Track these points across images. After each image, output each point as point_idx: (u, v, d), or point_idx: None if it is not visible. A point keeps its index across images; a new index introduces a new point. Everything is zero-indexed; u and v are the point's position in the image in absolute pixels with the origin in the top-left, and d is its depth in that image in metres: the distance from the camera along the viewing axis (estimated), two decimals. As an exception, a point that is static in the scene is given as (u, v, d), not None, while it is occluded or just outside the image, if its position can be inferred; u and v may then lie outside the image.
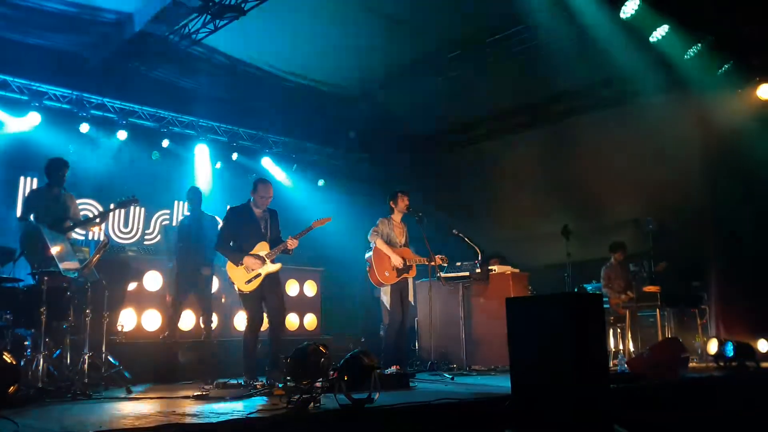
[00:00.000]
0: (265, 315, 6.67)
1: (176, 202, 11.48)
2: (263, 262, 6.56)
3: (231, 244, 6.68)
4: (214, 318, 8.33)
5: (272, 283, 6.67)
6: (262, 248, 6.64)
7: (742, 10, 8.43)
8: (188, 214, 8.75)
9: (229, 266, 6.61)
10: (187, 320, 8.97)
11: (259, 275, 6.54)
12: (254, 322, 6.62)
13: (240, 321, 9.47)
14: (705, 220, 10.26)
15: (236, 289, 6.62)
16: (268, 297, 6.63)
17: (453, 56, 10.45)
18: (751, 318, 9.47)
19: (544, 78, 10.75)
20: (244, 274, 6.52)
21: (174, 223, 11.03)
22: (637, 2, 8.24)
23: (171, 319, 8.27)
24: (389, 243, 7.88)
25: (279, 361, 6.41)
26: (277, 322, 6.67)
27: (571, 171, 11.79)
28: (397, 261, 7.76)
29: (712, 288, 10.09)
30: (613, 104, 10.93)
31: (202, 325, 8.23)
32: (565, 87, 11.21)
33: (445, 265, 8.49)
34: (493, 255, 10.42)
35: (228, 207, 7.21)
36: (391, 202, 8.12)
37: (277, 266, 6.66)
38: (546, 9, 8.86)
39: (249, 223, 6.70)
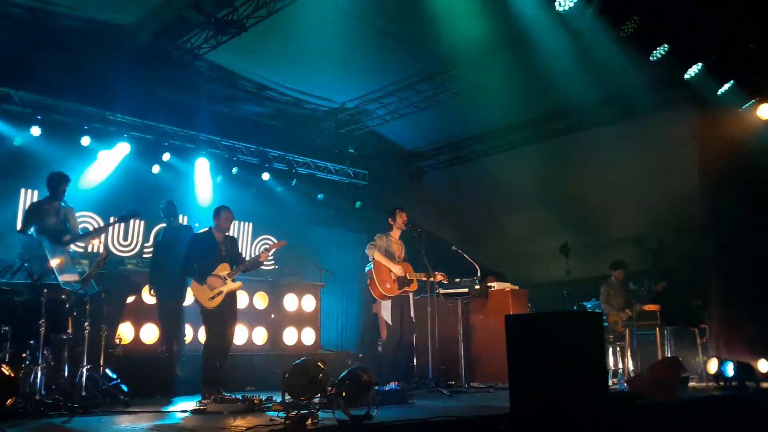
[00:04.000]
0: None
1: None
2: (225, 281, 7.05)
3: (195, 266, 7.12)
4: (187, 331, 8.76)
5: (231, 300, 7.21)
6: (223, 269, 7.13)
7: (743, 29, 8.48)
8: (164, 226, 8.93)
9: (194, 285, 7.11)
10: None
11: (221, 293, 7.03)
12: (216, 338, 7.06)
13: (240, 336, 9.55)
14: (705, 238, 10.25)
15: (200, 305, 7.08)
16: (226, 314, 7.12)
17: (452, 73, 10.50)
18: (751, 338, 9.44)
19: (544, 94, 10.80)
20: (207, 292, 7.01)
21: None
22: (638, 21, 8.28)
23: (161, 331, 8.44)
24: (388, 257, 7.86)
25: (222, 375, 6.99)
26: (229, 338, 7.21)
27: (570, 188, 11.80)
28: (398, 270, 7.75)
29: (712, 307, 10.07)
30: (613, 121, 10.96)
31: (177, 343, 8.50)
32: (565, 104, 11.25)
33: (446, 282, 8.48)
34: (489, 273, 10.41)
35: (192, 234, 7.81)
36: (389, 219, 8.12)
37: (237, 284, 7.23)
38: (546, 26, 8.93)
39: (211, 247, 7.22)
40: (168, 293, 8.41)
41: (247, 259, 7.57)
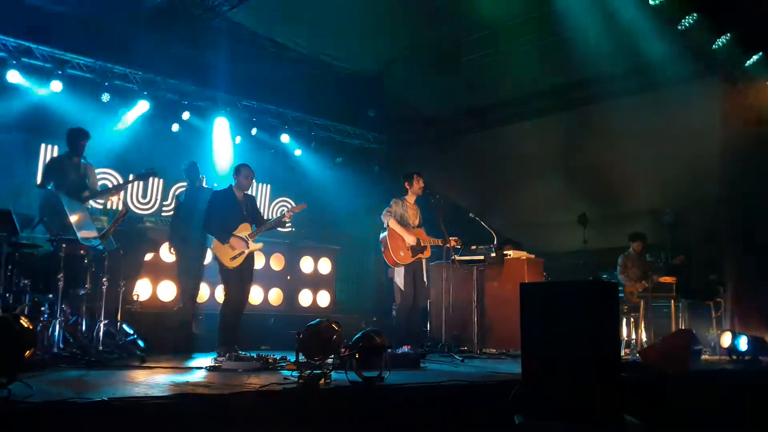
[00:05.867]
0: None
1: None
2: (246, 242, 7.07)
3: (217, 224, 7.11)
4: (203, 289, 8.95)
5: (250, 261, 7.25)
6: (244, 229, 7.15)
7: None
8: (185, 187, 9.02)
9: (216, 244, 7.08)
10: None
11: (242, 253, 7.05)
12: (235, 297, 7.10)
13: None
14: (724, 213, 10.14)
15: (220, 264, 7.06)
16: (244, 274, 7.17)
17: (474, 38, 10.36)
18: (766, 313, 9.39)
19: (565, 63, 10.63)
20: (229, 252, 7.00)
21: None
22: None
23: (180, 289, 8.56)
24: (402, 224, 7.86)
25: (236, 333, 7.08)
26: (244, 298, 7.27)
27: (590, 158, 11.67)
28: (410, 239, 7.76)
29: (728, 282, 10.01)
30: (636, 92, 10.78)
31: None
32: (587, 73, 11.06)
33: (459, 247, 8.47)
34: (506, 241, 10.38)
35: (212, 191, 7.73)
36: (405, 183, 8.09)
37: (258, 245, 7.27)
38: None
39: (232, 206, 7.21)
40: (189, 253, 8.45)
41: (266, 218, 7.54)
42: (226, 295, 7.13)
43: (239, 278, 7.09)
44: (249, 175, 7.29)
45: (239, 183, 7.25)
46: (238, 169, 7.28)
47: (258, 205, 7.89)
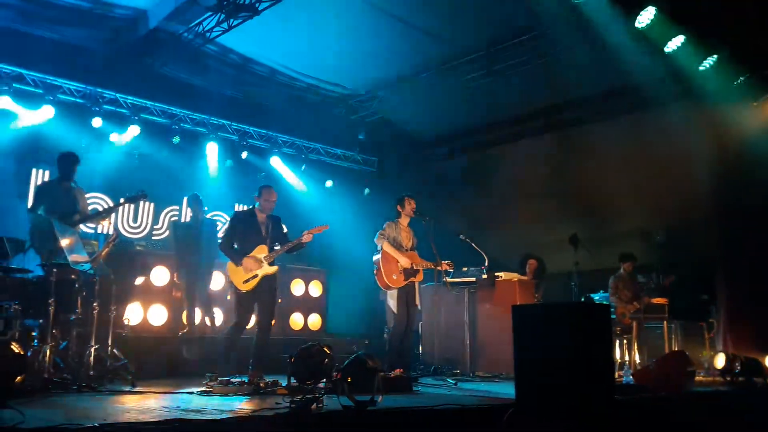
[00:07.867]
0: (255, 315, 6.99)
1: (185, 199, 11.48)
2: (260, 264, 6.82)
3: (234, 245, 6.94)
4: (216, 313, 9.28)
5: (269, 285, 6.94)
6: (260, 251, 6.89)
7: (759, 22, 8.38)
8: (190, 218, 9.49)
9: (230, 266, 6.87)
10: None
11: (256, 276, 6.79)
12: (242, 321, 6.87)
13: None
14: (714, 233, 10.19)
15: (233, 287, 6.89)
16: (262, 298, 6.88)
17: (463, 61, 10.45)
18: (759, 333, 9.39)
19: (555, 85, 10.73)
20: (242, 275, 6.77)
21: (182, 220, 11.08)
22: (653, 12, 8.20)
23: (187, 314, 8.88)
24: (396, 246, 7.86)
25: (263, 359, 6.75)
26: (266, 322, 6.93)
27: (580, 179, 11.73)
28: (404, 261, 7.74)
29: (721, 302, 10.02)
30: (624, 113, 10.86)
31: (208, 323, 9.03)
32: (577, 94, 11.17)
33: (451, 270, 8.47)
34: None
35: (235, 210, 7.48)
36: (398, 206, 8.10)
37: (274, 269, 6.94)
38: (559, 16, 8.86)
39: (251, 227, 7.00)
40: (194, 282, 8.87)
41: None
42: (236, 319, 6.87)
43: (251, 303, 6.83)
44: (269, 198, 7.02)
45: (261, 205, 7.03)
46: (260, 191, 7.05)
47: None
